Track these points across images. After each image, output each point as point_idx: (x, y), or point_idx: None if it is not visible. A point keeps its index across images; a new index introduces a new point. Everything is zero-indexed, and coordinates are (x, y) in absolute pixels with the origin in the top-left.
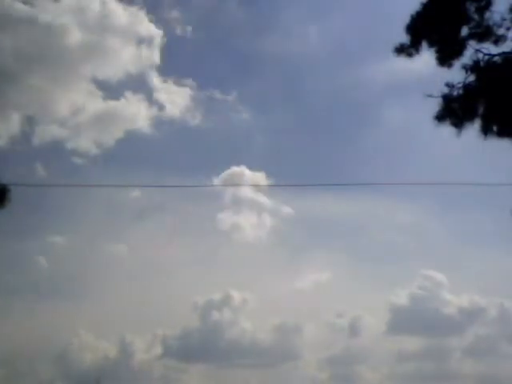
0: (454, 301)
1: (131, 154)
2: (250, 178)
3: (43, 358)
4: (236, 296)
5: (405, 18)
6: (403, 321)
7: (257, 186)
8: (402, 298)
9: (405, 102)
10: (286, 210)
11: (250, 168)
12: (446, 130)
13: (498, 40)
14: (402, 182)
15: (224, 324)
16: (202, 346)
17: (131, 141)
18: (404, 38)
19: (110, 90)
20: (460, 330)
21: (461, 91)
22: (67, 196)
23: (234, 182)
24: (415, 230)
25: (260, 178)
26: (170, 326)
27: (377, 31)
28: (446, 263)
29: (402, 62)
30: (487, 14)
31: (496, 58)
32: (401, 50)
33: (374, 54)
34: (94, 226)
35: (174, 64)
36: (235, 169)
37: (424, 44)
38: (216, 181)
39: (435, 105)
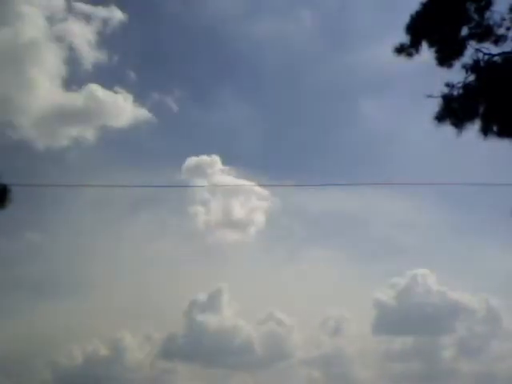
0: (446, 298)
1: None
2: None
3: (33, 356)
4: (226, 295)
5: (399, 6)
6: (392, 319)
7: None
8: (393, 295)
9: (397, 91)
10: (276, 202)
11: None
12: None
13: (498, 40)
14: (403, 181)
15: (214, 324)
16: (192, 346)
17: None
18: (404, 38)
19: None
20: (453, 327)
21: (461, 91)
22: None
23: (203, 173)
24: (410, 228)
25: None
26: (159, 325)
27: (372, 16)
28: (440, 262)
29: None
30: (487, 14)
31: (496, 58)
32: (401, 49)
33: (368, 39)
34: (78, 223)
35: (154, 50)
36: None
37: (424, 44)
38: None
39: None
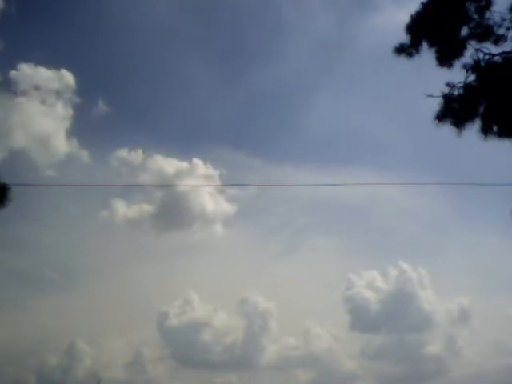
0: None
1: None
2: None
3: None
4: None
5: None
6: (370, 317)
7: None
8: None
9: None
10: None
11: None
12: None
13: (498, 40)
14: (408, 182)
15: (201, 326)
16: (181, 347)
17: None
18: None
19: None
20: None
21: (461, 91)
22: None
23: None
24: (408, 224)
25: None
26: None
27: None
28: (435, 260)
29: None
30: (487, 14)
31: (496, 58)
32: (401, 49)
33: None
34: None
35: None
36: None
37: (424, 44)
38: None
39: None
